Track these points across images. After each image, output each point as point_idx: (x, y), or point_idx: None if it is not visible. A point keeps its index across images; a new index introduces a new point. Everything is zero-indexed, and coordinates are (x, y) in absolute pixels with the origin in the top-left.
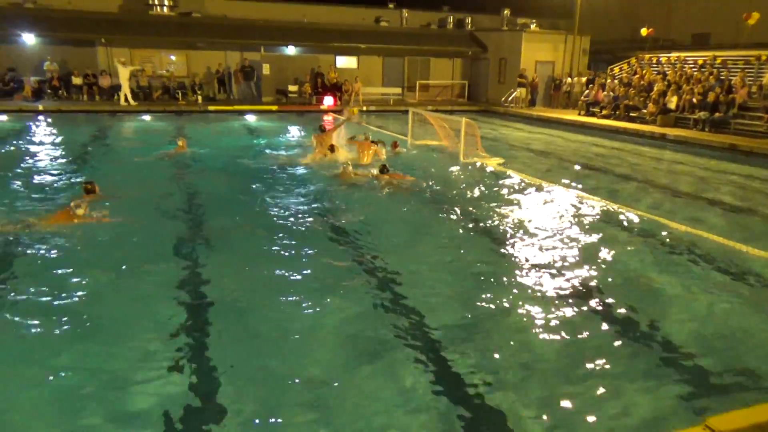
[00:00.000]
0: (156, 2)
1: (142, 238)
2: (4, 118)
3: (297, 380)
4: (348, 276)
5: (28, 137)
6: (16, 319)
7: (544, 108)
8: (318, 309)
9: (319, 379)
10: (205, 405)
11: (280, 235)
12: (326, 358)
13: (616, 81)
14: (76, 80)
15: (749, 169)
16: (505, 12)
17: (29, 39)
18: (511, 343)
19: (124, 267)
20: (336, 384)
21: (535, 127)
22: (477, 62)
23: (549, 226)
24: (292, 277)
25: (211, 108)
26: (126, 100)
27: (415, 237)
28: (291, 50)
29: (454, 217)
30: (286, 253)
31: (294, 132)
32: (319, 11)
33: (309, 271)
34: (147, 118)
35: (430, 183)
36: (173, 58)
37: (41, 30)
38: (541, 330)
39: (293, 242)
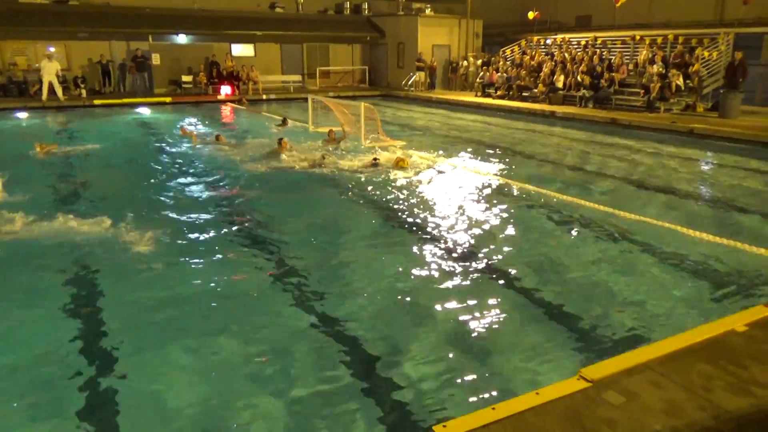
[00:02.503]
0: None
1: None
2: None
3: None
4: (249, 271)
5: None
6: None
7: (443, 90)
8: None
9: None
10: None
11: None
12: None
13: (508, 62)
14: None
15: (627, 141)
16: None
17: None
18: (402, 302)
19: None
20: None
21: (435, 109)
22: (376, 47)
23: (448, 202)
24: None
25: (97, 102)
26: (52, 92)
27: (317, 223)
28: (182, 39)
29: (354, 198)
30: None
31: (190, 123)
32: None
33: (207, 264)
34: (23, 115)
35: (332, 168)
36: (52, 49)
37: None
38: (436, 296)
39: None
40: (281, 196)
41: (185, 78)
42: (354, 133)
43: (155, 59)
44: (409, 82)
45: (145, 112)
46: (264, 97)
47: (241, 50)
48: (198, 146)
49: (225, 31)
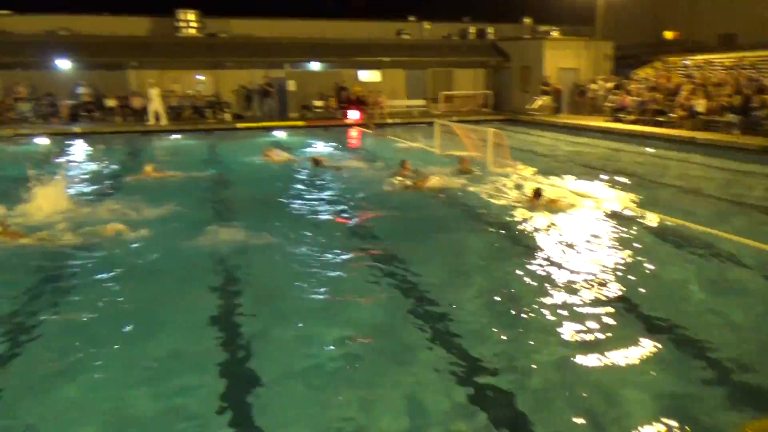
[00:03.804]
0: (183, 24)
1: (168, 252)
2: (43, 140)
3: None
4: (377, 287)
5: (63, 158)
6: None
7: (569, 115)
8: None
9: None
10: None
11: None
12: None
13: (641, 85)
14: (110, 102)
15: None
16: (526, 20)
17: (64, 65)
18: (545, 350)
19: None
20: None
21: (561, 135)
22: (500, 71)
23: (580, 234)
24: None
25: (239, 125)
26: (157, 118)
27: (448, 248)
28: (315, 66)
29: (484, 226)
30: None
31: (320, 146)
32: (341, 27)
33: (339, 288)
34: (178, 136)
35: (460, 193)
36: (201, 78)
37: (75, 55)
38: (575, 340)
39: (322, 256)
40: (401, 218)
41: (317, 103)
42: (481, 158)
43: (291, 85)
44: (534, 106)
45: (280, 134)
46: (389, 121)
47: (369, 76)
48: (322, 169)
49: (354, 58)
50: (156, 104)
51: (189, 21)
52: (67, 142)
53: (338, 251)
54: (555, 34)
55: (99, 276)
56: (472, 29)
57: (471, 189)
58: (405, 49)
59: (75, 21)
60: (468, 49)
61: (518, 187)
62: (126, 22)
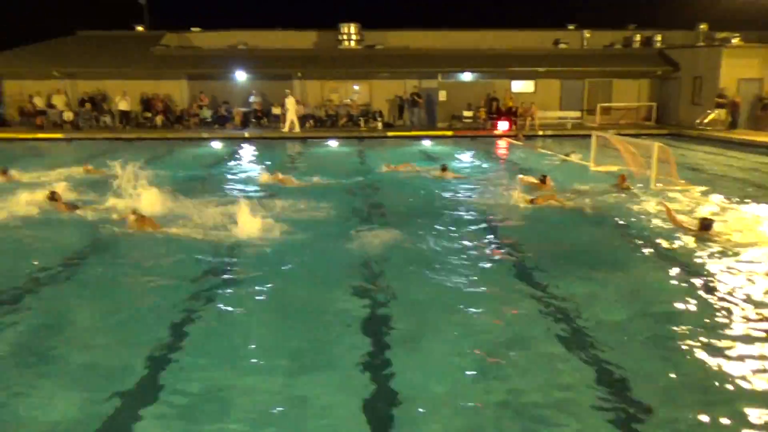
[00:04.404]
0: (345, 37)
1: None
2: (218, 144)
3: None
4: (528, 320)
5: (233, 160)
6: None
7: (747, 131)
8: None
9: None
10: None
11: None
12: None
13: None
14: (276, 110)
15: None
16: (702, 27)
17: (240, 76)
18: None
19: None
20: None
21: (737, 153)
22: (666, 82)
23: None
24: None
25: (389, 134)
26: (292, 128)
27: (602, 280)
28: (467, 76)
29: (646, 257)
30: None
31: (465, 156)
32: (496, 36)
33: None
34: (334, 143)
35: (623, 216)
36: (356, 87)
37: (250, 67)
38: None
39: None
40: (545, 238)
41: (466, 113)
42: (642, 175)
43: (441, 95)
44: (705, 121)
45: (427, 143)
46: (540, 133)
47: (521, 86)
48: (458, 180)
49: (507, 69)
50: (290, 114)
51: (351, 34)
52: (237, 146)
53: (484, 274)
54: (736, 41)
55: (250, 272)
56: (637, 37)
57: (629, 210)
58: (561, 58)
59: (252, 36)
60: (631, 58)
61: (685, 211)
62: (295, 36)
